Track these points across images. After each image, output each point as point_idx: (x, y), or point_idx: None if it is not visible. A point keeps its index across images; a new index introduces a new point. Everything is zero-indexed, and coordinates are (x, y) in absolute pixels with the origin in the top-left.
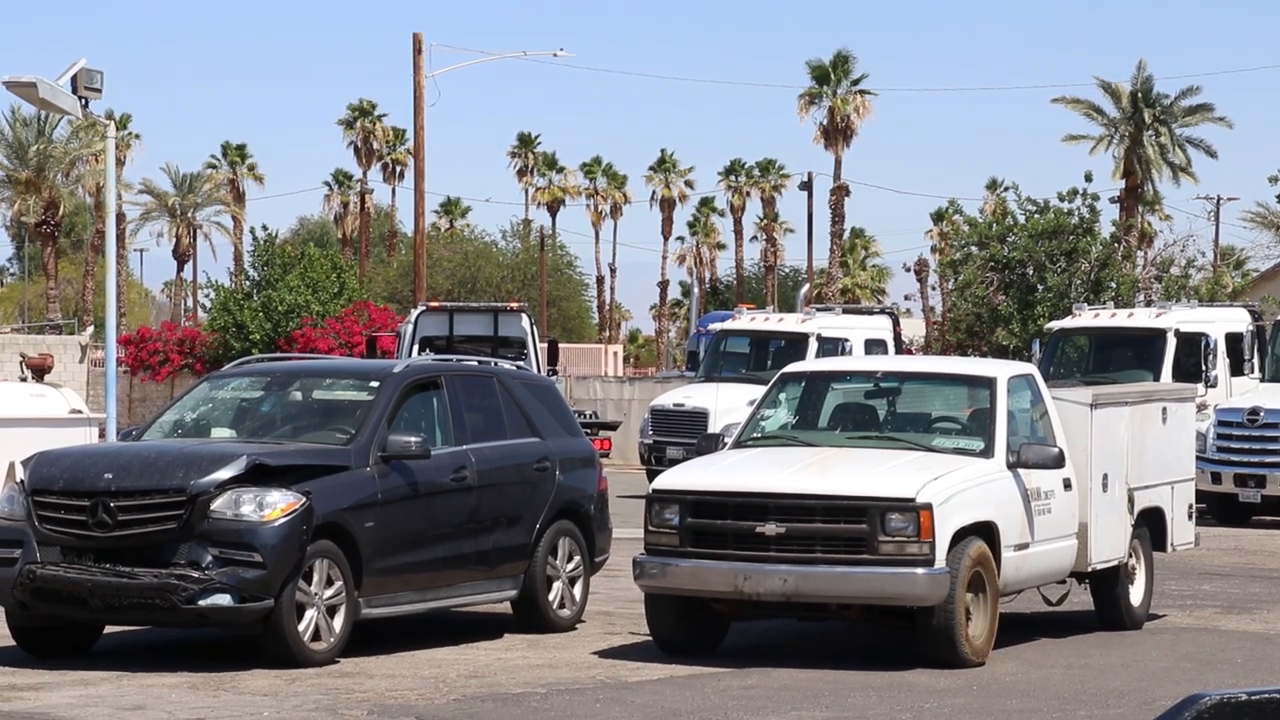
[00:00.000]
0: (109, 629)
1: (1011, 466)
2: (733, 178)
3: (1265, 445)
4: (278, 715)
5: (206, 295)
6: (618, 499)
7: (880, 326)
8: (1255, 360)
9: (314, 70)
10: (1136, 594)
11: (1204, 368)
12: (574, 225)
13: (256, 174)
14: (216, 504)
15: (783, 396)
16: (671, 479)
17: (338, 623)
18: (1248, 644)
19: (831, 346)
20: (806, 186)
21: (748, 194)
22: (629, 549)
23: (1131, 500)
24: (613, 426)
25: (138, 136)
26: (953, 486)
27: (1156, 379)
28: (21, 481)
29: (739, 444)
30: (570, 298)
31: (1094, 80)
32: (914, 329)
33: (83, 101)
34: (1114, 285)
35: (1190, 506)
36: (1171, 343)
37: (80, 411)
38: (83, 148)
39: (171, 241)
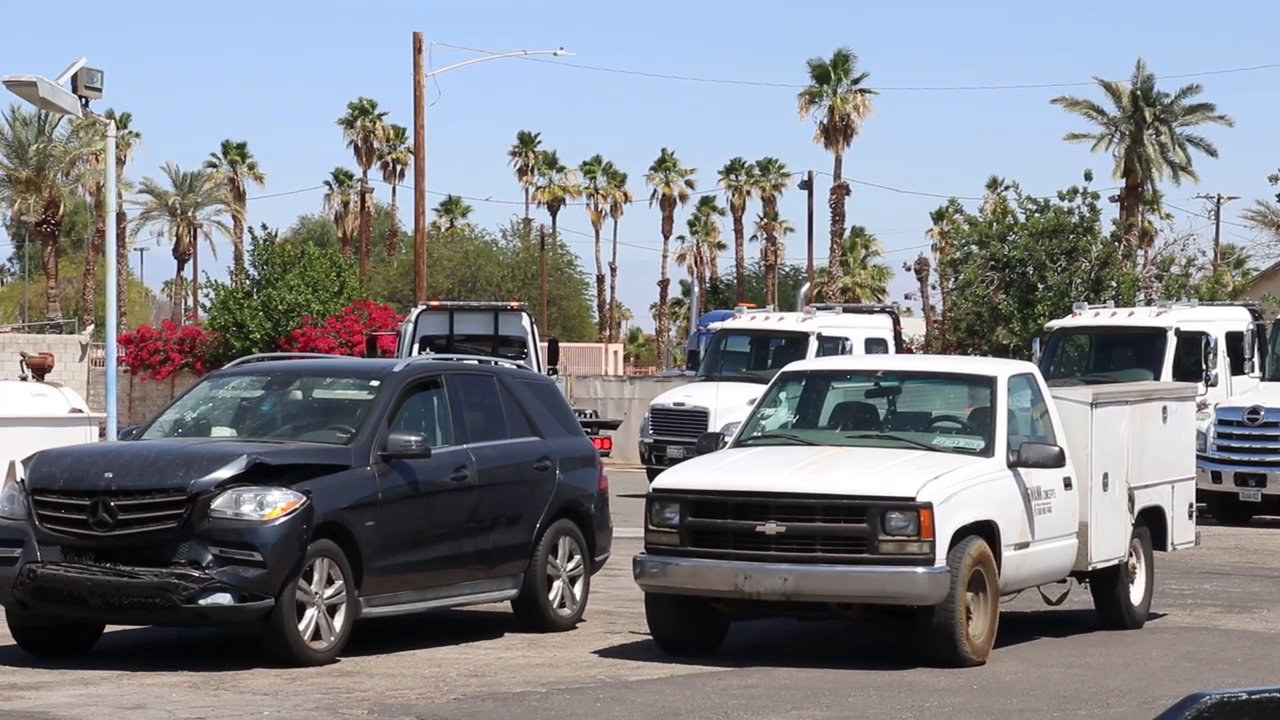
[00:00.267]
0: (109, 628)
1: (1012, 466)
2: (733, 177)
3: (1265, 444)
4: (278, 714)
5: (207, 294)
6: (618, 498)
7: (880, 325)
8: (1255, 359)
9: (314, 69)
10: (1137, 593)
11: (1204, 367)
12: (574, 224)
13: (256, 173)
14: (217, 503)
15: (783, 395)
16: (672, 478)
17: (338, 622)
18: (1248, 643)
19: (832, 345)
20: (807, 186)
21: (748, 193)
22: (629, 548)
23: (1132, 499)
24: (613, 426)
25: (138, 135)
26: (953, 485)
27: (1157, 378)
28: (22, 480)
29: (739, 443)
30: (570, 297)
31: (1094, 80)
32: (914, 328)
33: (83, 101)
34: (1114, 284)
35: (1191, 505)
36: (1172, 342)
37: (80, 411)
38: (83, 147)
39: (172, 241)
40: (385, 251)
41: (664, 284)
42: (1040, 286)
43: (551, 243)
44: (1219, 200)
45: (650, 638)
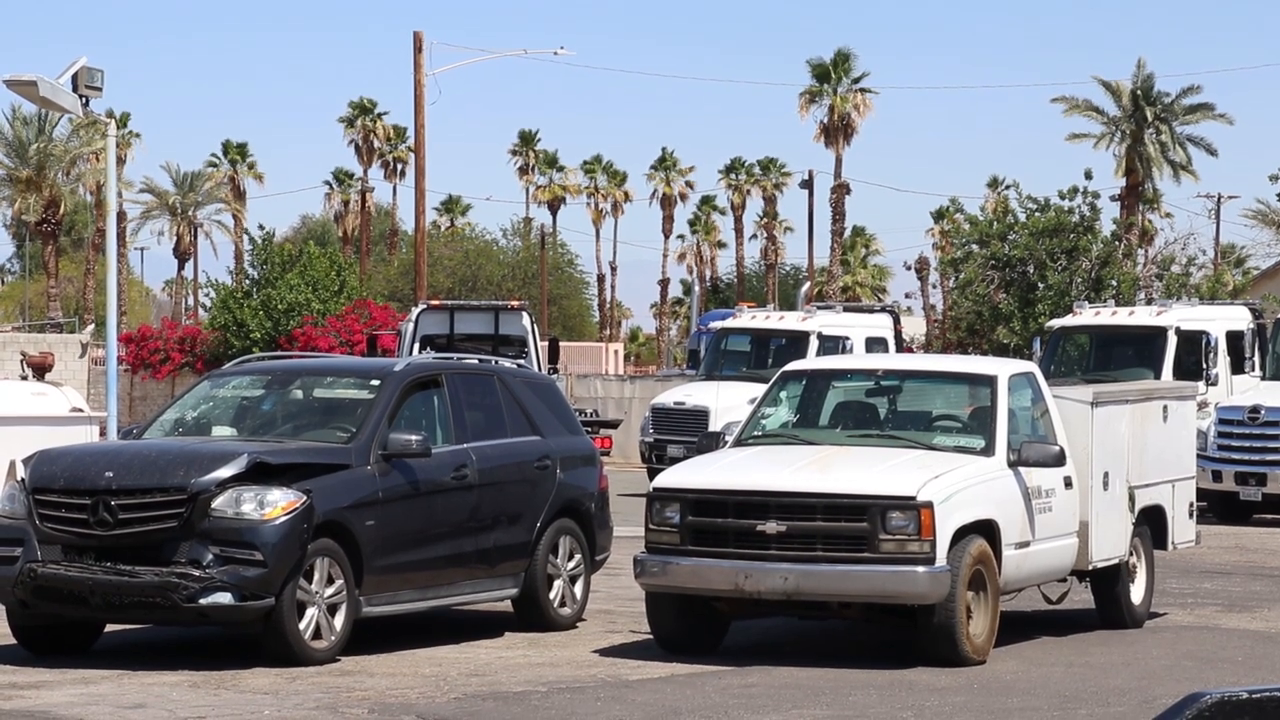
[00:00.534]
0: (110, 627)
1: (1012, 465)
2: (733, 176)
3: (1266, 443)
4: (278, 714)
5: (207, 294)
6: (618, 497)
7: (881, 325)
8: (1256, 358)
9: (314, 68)
10: (1137, 592)
11: (1205, 366)
12: (575, 223)
13: (257, 172)
14: (217, 502)
15: (783, 395)
16: (672, 477)
17: (338, 621)
18: (1248, 642)
19: (832, 345)
20: (807, 185)
21: (748, 192)
22: (630, 547)
23: (1132, 498)
24: (613, 425)
25: (138, 135)
26: (953, 485)
27: (1157, 377)
28: (22, 480)
29: (740, 442)
30: (571, 296)
31: (1094, 79)
32: (915, 327)
33: (83, 100)
34: (1115, 283)
35: (1191, 505)
36: (1172, 341)
37: (81, 410)
38: (83, 146)
39: (172, 240)
40: (386, 251)
41: (664, 283)
42: (1041, 286)
43: (552, 242)
44: (1219, 199)
45: (651, 637)
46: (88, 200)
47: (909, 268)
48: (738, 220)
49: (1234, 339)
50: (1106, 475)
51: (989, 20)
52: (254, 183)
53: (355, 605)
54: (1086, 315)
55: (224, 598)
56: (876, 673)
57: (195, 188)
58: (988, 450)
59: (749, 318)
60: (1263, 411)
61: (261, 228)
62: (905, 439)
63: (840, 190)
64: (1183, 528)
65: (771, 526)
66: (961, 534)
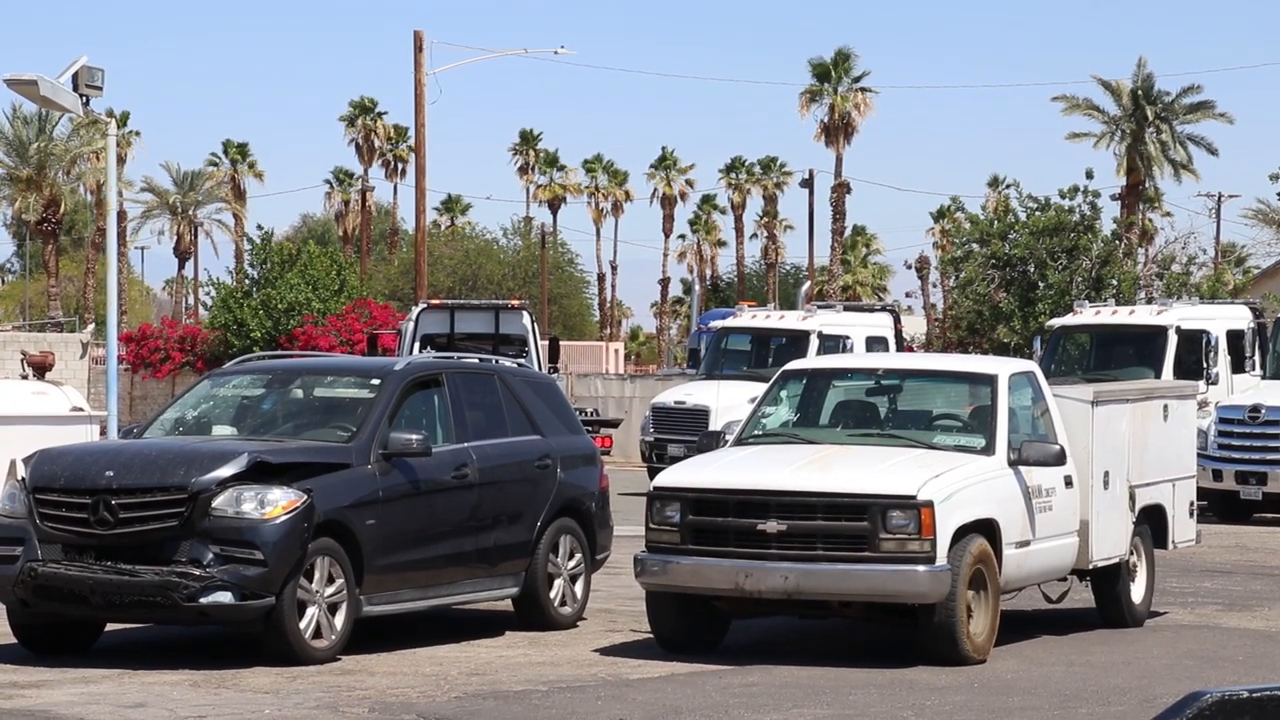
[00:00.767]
0: (110, 626)
1: (1013, 464)
2: (734, 175)
3: (1266, 442)
4: (279, 713)
5: (207, 293)
6: (619, 496)
7: (881, 324)
8: (1256, 357)
9: (315, 68)
10: (1138, 591)
11: (1205, 365)
12: (575, 223)
13: (257, 171)
14: (218, 502)
15: (784, 394)
16: (673, 476)
17: (339, 620)
18: (1249, 641)
19: (832, 344)
20: (808, 184)
21: (749, 191)
22: (630, 546)
23: (1133, 497)
24: (614, 424)
25: (138, 134)
26: (954, 484)
27: (1158, 376)
28: (23, 479)
29: (740, 441)
30: (571, 295)
31: (1093, 79)
32: (915, 326)
33: (84, 99)
34: (1115, 282)
35: (1191, 504)
36: (1173, 340)
37: (81, 409)
38: (83, 145)
39: (172, 239)
40: (386, 250)
41: (664, 282)
42: (1041, 285)
43: (552, 241)
44: (1220, 198)
45: (651, 636)
46: (88, 199)
47: (909, 267)
48: (738, 219)
49: (1234, 338)
50: (1107, 474)
51: (989, 20)
52: (254, 182)
53: (356, 604)
54: (1087, 314)
55: (224, 597)
56: (877, 672)
57: (195, 187)
58: (988, 449)
59: (749, 317)
60: (1263, 411)
61: (260, 228)
62: (905, 438)
63: (841, 189)
64: (1183, 527)
65: (772, 525)
66: (962, 533)
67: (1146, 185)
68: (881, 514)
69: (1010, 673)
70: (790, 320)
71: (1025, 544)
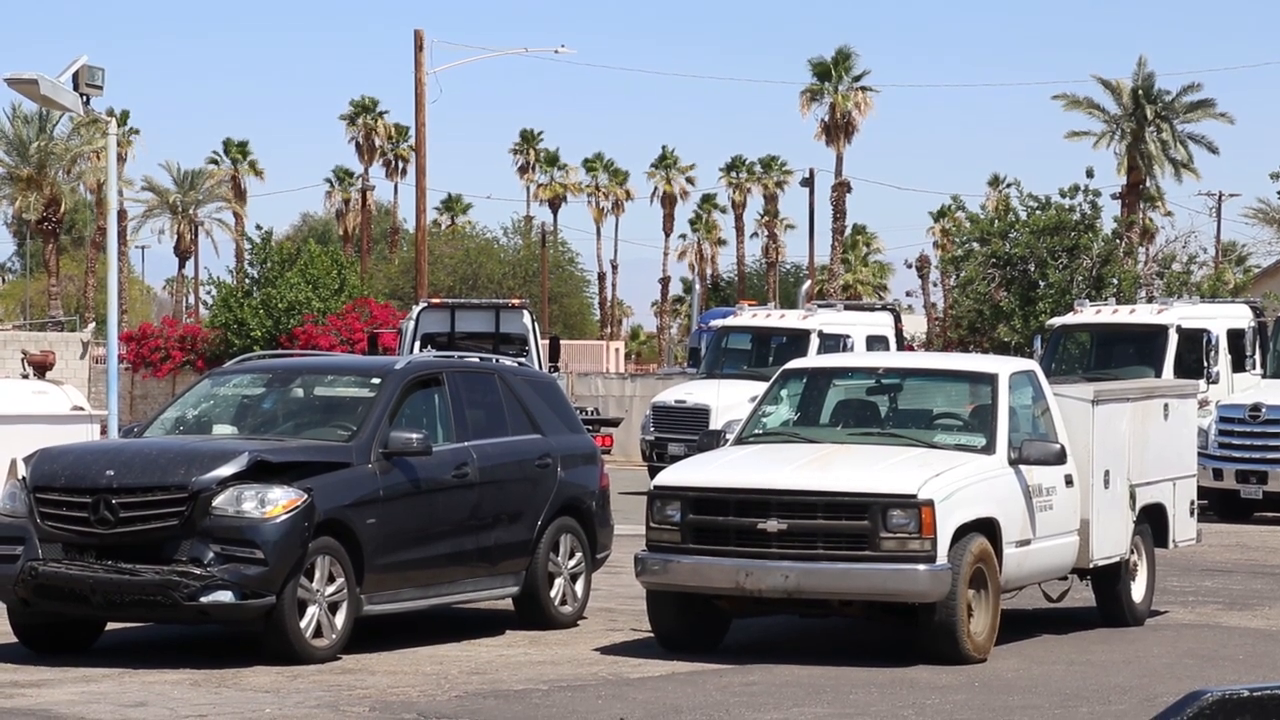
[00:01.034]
0: (110, 626)
1: (1013, 463)
2: (734, 174)
3: (1267, 441)
4: (279, 712)
5: (208, 292)
6: (619, 495)
7: (882, 323)
8: (1257, 356)
9: (315, 67)
10: (1138, 590)
11: (1205, 364)
12: (575, 222)
13: (257, 170)
14: (218, 501)
15: (784, 393)
16: (673, 475)
17: (339, 619)
18: (1249, 640)
19: (833, 343)
20: (808, 183)
21: (749, 190)
22: (631, 545)
23: (1133, 496)
24: (614, 423)
25: (138, 133)
26: (954, 483)
27: (1158, 375)
28: (23, 478)
29: (740, 440)
30: (572, 294)
31: (1094, 78)
32: (915, 325)
33: (84, 98)
34: (1116, 281)
35: (1192, 503)
36: (1173, 339)
37: (82, 408)
38: (84, 144)
39: (173, 238)
40: (386, 249)
41: (665, 281)
42: (1041, 284)
43: (553, 240)
44: (1220, 197)
45: (651, 635)
46: (88, 199)
47: (910, 266)
48: (738, 218)
49: (1235, 337)
50: (1107, 473)
51: (989, 19)
52: (255, 181)
53: (356, 603)
54: (1087, 313)
55: (225, 596)
56: (877, 671)
57: (196, 186)
58: (989, 448)
59: (750, 316)
60: (1264, 410)
61: (259, 228)
62: (906, 437)
63: (841, 188)
64: (1184, 526)
65: (772, 524)
66: (962, 532)
67: (1147, 184)
68: (882, 513)
69: (1011, 671)
70: (791, 319)
71: (1026, 543)
